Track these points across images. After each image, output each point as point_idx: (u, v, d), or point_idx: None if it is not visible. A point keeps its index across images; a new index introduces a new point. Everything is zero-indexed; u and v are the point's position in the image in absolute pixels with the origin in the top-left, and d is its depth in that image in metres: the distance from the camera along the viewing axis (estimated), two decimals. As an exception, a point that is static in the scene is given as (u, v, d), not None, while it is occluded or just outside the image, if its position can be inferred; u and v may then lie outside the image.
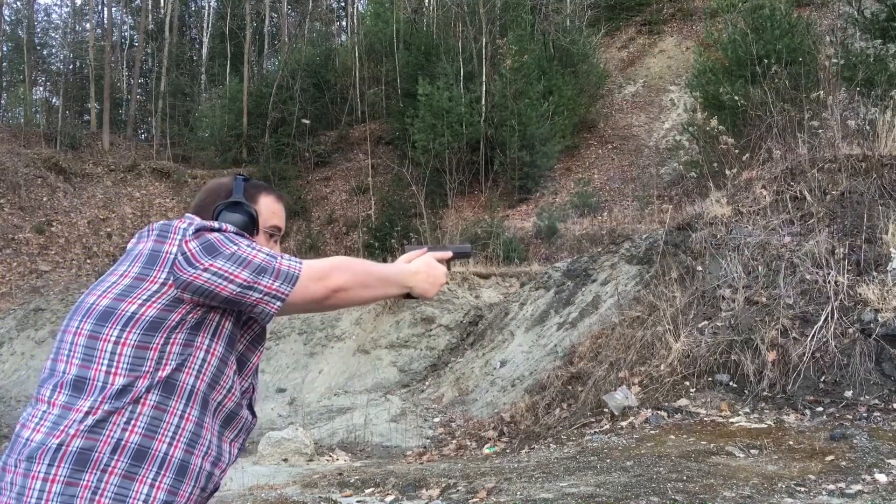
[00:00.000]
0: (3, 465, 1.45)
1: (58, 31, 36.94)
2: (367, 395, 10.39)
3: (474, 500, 4.28)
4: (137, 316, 1.47)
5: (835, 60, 9.74)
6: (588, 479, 4.35)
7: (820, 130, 7.36)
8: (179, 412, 1.48)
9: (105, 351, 1.45)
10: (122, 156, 27.39)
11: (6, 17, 34.18)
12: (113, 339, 1.46)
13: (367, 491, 4.93)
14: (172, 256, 1.48)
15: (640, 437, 5.21)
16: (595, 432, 5.67)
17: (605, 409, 5.92)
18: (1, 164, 23.48)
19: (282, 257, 1.53)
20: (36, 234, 21.76)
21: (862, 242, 6.12)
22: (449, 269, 1.85)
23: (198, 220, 1.57)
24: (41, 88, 36.11)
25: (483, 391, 9.29)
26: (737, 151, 8.01)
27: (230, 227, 1.56)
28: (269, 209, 1.74)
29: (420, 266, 1.71)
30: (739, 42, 17.22)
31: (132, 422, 1.43)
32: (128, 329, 1.46)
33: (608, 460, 4.74)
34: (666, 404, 5.66)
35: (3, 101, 35.78)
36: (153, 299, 1.47)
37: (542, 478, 4.51)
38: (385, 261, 1.96)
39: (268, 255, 1.51)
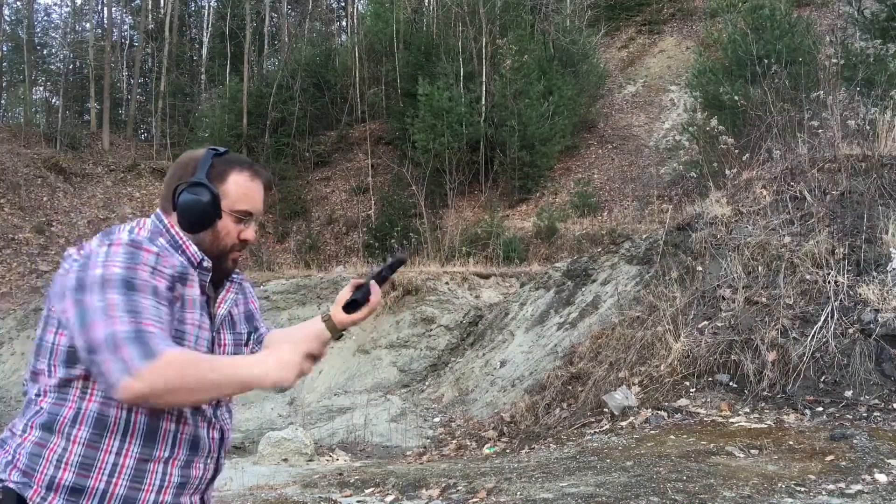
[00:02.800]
0: None
1: (58, 31, 36.92)
2: (367, 395, 10.38)
3: (474, 500, 4.27)
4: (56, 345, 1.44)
5: (835, 60, 9.74)
6: (588, 479, 4.35)
7: (820, 130, 7.35)
8: (115, 449, 1.40)
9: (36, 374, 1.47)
10: (122, 156, 27.39)
11: (6, 17, 34.19)
12: (44, 367, 1.46)
13: (367, 491, 4.93)
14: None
15: (640, 437, 5.21)
16: (595, 432, 5.67)
17: (605, 409, 5.92)
18: (1, 164, 23.49)
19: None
20: (36, 234, 21.75)
21: (862, 242, 6.11)
22: (386, 282, 1.74)
23: (90, 245, 1.43)
24: (41, 88, 36.09)
25: (483, 391, 9.29)
26: (737, 151, 8.00)
27: (121, 268, 1.37)
28: (240, 189, 1.53)
29: (267, 357, 1.41)
30: (739, 42, 17.24)
31: (65, 458, 1.38)
32: (53, 356, 1.45)
33: (608, 460, 4.74)
34: (666, 404, 5.66)
35: (3, 101, 35.78)
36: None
37: (542, 478, 4.51)
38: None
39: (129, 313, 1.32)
